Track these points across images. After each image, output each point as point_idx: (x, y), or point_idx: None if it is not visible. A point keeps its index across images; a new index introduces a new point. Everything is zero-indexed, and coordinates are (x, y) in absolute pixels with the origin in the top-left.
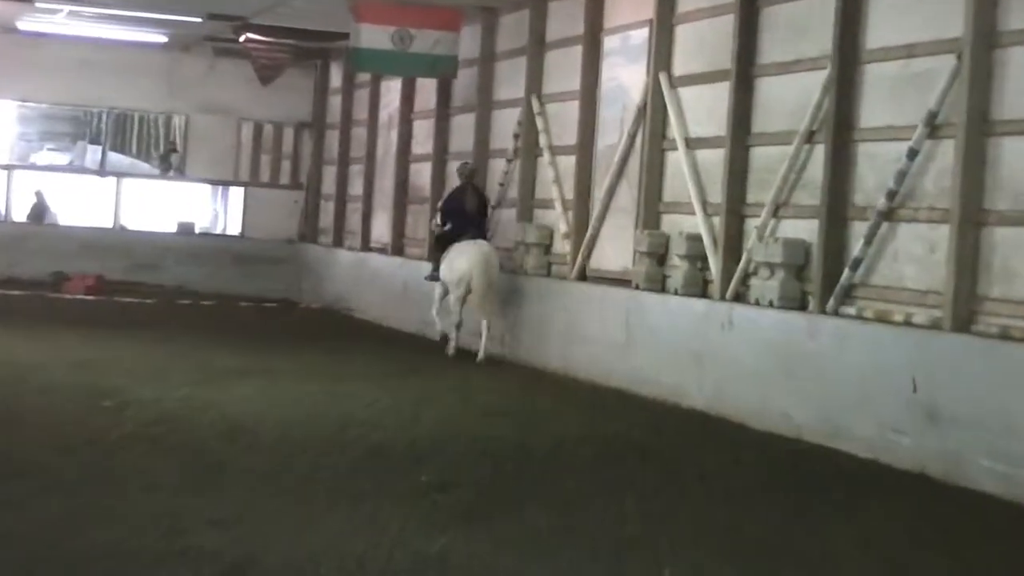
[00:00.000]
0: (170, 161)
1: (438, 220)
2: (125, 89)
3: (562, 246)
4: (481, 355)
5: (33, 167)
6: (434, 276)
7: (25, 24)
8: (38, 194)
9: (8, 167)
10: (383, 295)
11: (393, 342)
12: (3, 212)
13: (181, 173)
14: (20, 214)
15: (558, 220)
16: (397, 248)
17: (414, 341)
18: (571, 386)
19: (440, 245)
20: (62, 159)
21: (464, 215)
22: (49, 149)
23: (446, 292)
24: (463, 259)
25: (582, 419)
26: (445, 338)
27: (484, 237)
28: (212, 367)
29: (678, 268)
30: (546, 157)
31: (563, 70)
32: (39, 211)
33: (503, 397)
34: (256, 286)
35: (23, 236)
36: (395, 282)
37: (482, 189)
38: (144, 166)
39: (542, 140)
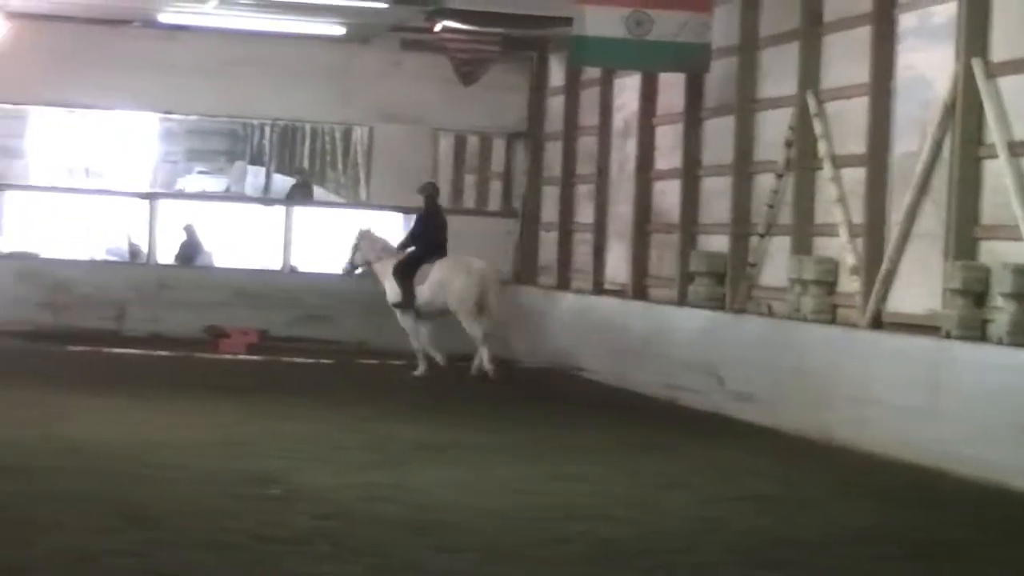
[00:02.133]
0: (307, 189)
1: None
2: (292, 95)
3: (849, 284)
4: (488, 365)
5: (181, 195)
6: (407, 303)
7: (167, 16)
8: (187, 229)
9: (150, 195)
10: (617, 350)
11: (629, 409)
12: (145, 253)
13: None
14: (166, 254)
15: (843, 251)
16: (638, 290)
17: (656, 407)
18: (855, 463)
19: (407, 270)
20: (216, 184)
21: (433, 239)
22: (200, 172)
23: (417, 316)
24: (462, 278)
25: (869, 507)
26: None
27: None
28: (399, 444)
29: (1003, 310)
30: (827, 170)
31: (846, 58)
32: (189, 251)
33: (767, 478)
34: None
35: (170, 282)
36: (633, 333)
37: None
38: (318, 191)
39: (821, 148)
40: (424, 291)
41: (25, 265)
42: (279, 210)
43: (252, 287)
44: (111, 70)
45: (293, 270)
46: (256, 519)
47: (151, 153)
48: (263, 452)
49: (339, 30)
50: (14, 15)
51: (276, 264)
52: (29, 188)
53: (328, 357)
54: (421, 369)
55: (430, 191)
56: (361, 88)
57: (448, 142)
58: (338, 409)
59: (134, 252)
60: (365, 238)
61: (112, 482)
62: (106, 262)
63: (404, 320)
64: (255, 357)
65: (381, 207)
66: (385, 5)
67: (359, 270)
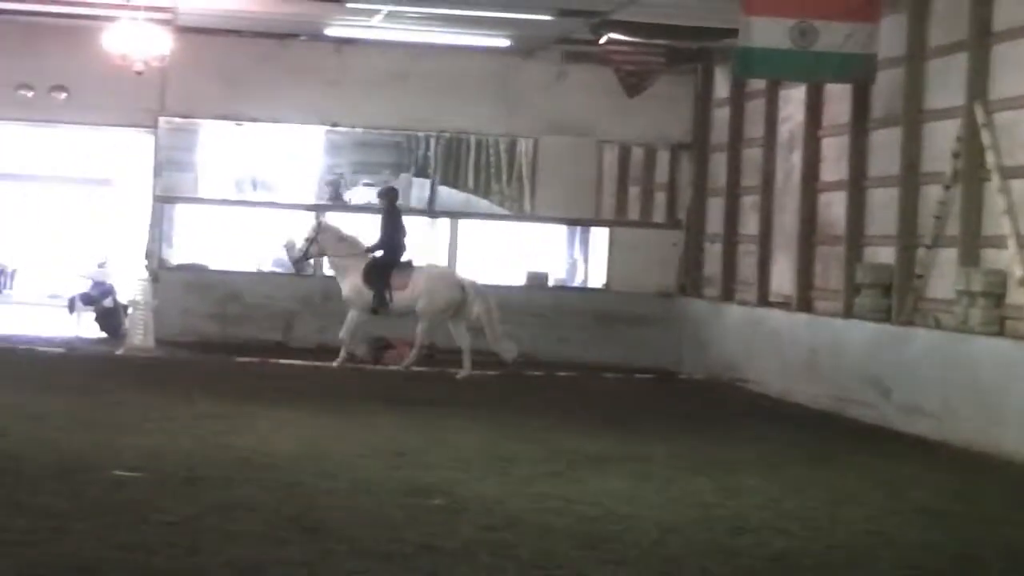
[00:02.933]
0: (339, 193)
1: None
2: (456, 107)
3: (1018, 296)
4: (467, 372)
5: (347, 207)
6: (381, 306)
7: (334, 30)
8: None
9: (316, 207)
10: (785, 362)
11: (796, 421)
12: (311, 264)
13: (525, 210)
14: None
15: (1012, 263)
16: (803, 302)
17: (826, 420)
18: None
19: (382, 274)
20: None
21: (401, 242)
22: (365, 184)
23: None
24: (448, 286)
25: None
26: (352, 357)
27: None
28: (566, 455)
29: None
30: (995, 181)
31: (1016, 68)
32: None
33: (937, 492)
34: (623, 352)
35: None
36: (800, 346)
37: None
38: (482, 203)
39: (989, 159)
40: (405, 296)
41: (194, 277)
42: (444, 222)
43: None
44: (279, 83)
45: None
46: (422, 529)
47: (317, 165)
48: (428, 463)
49: (504, 42)
50: (183, 30)
51: None
52: (198, 201)
53: (494, 368)
54: (341, 358)
55: (392, 196)
56: (526, 100)
57: (612, 154)
58: (503, 420)
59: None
60: (326, 231)
61: (281, 492)
62: (273, 274)
63: (359, 317)
64: (422, 369)
65: (546, 219)
66: (550, 17)
67: (311, 261)
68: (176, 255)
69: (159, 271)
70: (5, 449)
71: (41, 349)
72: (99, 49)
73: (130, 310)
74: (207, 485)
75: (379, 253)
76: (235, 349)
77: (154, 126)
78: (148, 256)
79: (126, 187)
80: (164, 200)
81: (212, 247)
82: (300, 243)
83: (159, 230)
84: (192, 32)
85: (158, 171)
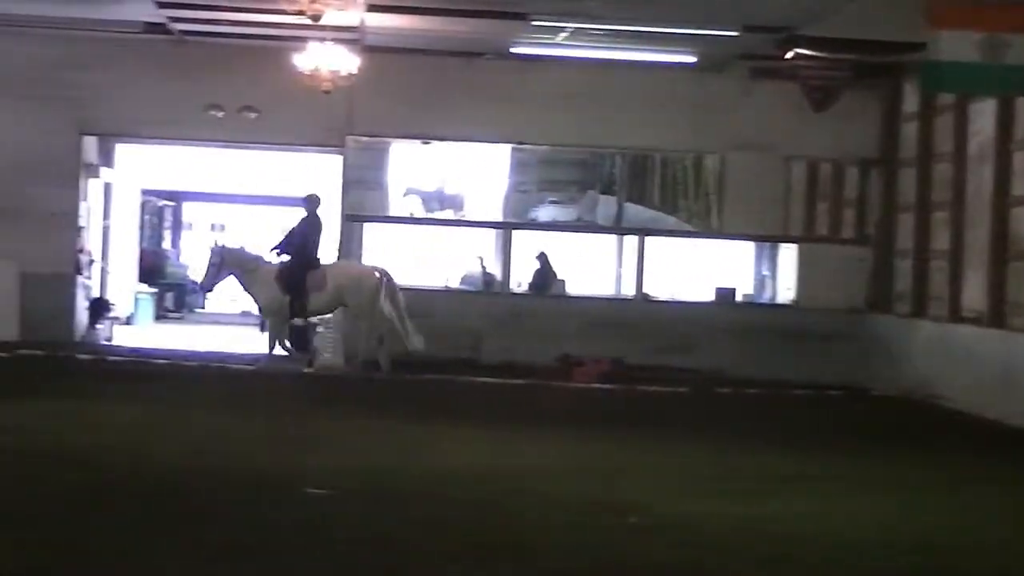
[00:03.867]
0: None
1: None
2: (642, 124)
3: None
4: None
5: (533, 225)
6: (301, 311)
7: (520, 48)
8: (541, 258)
9: (504, 225)
10: (978, 378)
11: (990, 439)
12: (499, 281)
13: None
14: (520, 283)
15: None
16: (996, 317)
17: (1021, 439)
18: None
19: (298, 278)
20: (567, 214)
21: (316, 248)
22: (551, 202)
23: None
24: (365, 275)
25: None
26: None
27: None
28: (756, 473)
29: None
30: None
31: None
32: (542, 279)
33: None
34: (812, 369)
35: (523, 311)
36: (993, 362)
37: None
38: (669, 220)
39: None
40: (323, 297)
41: None
42: (631, 239)
43: (606, 316)
44: (464, 102)
45: (647, 299)
46: (616, 548)
47: (504, 183)
48: (618, 481)
49: (690, 59)
50: (370, 49)
51: (630, 293)
52: (386, 220)
53: (684, 386)
54: (267, 359)
55: (317, 203)
56: (712, 117)
57: (800, 169)
58: (691, 438)
59: (488, 281)
60: (230, 254)
61: (472, 510)
62: (462, 291)
63: (275, 324)
64: (609, 386)
65: (733, 236)
66: (736, 33)
67: (220, 282)
68: None
69: None
70: (198, 467)
71: (232, 367)
72: (288, 70)
73: (319, 328)
74: (397, 503)
75: (285, 257)
76: (423, 367)
77: (342, 145)
78: None
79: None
80: (352, 219)
81: (400, 265)
82: (205, 274)
83: (348, 249)
84: (378, 52)
85: (346, 190)
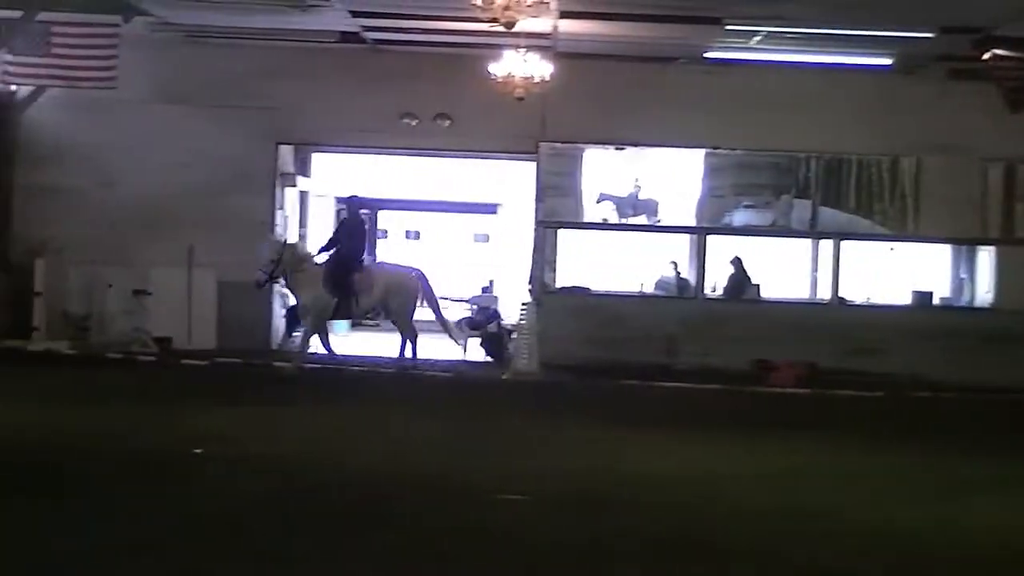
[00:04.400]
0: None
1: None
2: (836, 127)
3: None
4: None
5: (727, 229)
6: (346, 312)
7: (713, 52)
8: (735, 262)
9: (698, 230)
10: None
11: None
12: (693, 286)
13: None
14: (714, 288)
15: None
16: None
17: None
18: None
19: (345, 280)
20: (762, 218)
21: (360, 248)
22: (745, 206)
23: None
24: (408, 278)
25: None
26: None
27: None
28: (951, 478)
29: None
30: None
31: None
32: (737, 284)
33: None
34: (1013, 372)
35: (719, 316)
36: None
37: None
38: (864, 223)
39: None
40: (370, 299)
41: (578, 301)
42: (826, 243)
43: (801, 320)
44: (657, 107)
45: (843, 303)
46: (809, 553)
47: (698, 188)
48: (811, 486)
49: (885, 61)
50: (562, 56)
51: (825, 296)
52: (580, 225)
53: (879, 390)
54: (291, 368)
55: (359, 204)
56: (907, 119)
57: (997, 171)
58: (886, 443)
59: (682, 286)
60: (289, 250)
61: (665, 515)
62: (656, 296)
63: (315, 324)
64: (805, 391)
65: (930, 239)
66: (932, 35)
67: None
68: (559, 279)
69: (542, 295)
70: (394, 473)
71: (428, 373)
72: (481, 77)
73: (514, 334)
74: (591, 509)
75: (324, 257)
76: (618, 372)
77: (535, 152)
78: (531, 281)
79: (512, 213)
80: (546, 225)
81: (594, 270)
82: (267, 267)
83: (542, 255)
84: (570, 58)
85: (540, 196)
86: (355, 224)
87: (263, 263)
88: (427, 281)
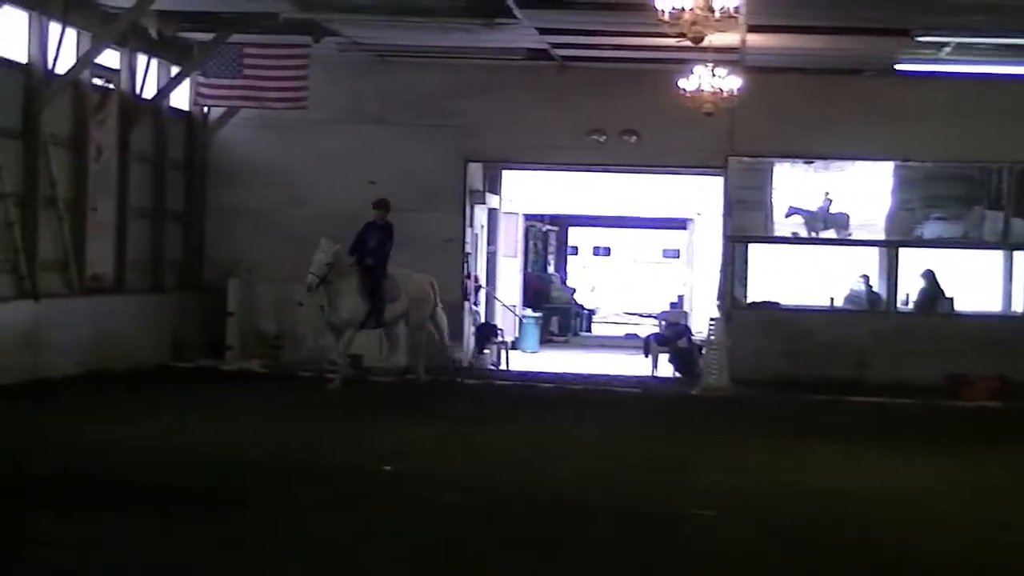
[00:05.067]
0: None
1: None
2: None
3: None
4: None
5: (919, 242)
6: (379, 320)
7: (902, 64)
8: (927, 275)
9: (888, 243)
10: None
11: None
12: (884, 300)
13: None
14: (907, 301)
15: None
16: None
17: None
18: None
19: (379, 286)
20: (953, 230)
21: (389, 253)
22: (936, 218)
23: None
24: (424, 288)
25: None
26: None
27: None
28: None
29: None
30: None
31: None
32: (929, 297)
33: None
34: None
35: (911, 329)
36: None
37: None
38: None
39: None
40: (398, 307)
41: (767, 315)
42: (1020, 255)
43: (994, 333)
44: (846, 120)
45: None
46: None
47: (888, 201)
48: (1009, 499)
49: None
50: (751, 69)
51: (1019, 309)
52: (770, 240)
53: None
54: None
55: (388, 208)
56: None
57: None
58: None
59: (873, 300)
60: (339, 256)
61: (854, 529)
62: (846, 311)
63: (351, 336)
64: (998, 404)
65: None
66: None
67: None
68: (749, 294)
69: (732, 310)
70: (582, 488)
71: (618, 389)
72: (668, 92)
73: (704, 350)
74: (778, 523)
75: (366, 264)
76: (808, 387)
77: (724, 167)
78: (721, 296)
79: (701, 228)
80: (736, 239)
81: (784, 285)
82: (319, 270)
83: (732, 269)
84: (758, 72)
85: (729, 211)
86: (387, 229)
87: (319, 267)
88: (436, 290)
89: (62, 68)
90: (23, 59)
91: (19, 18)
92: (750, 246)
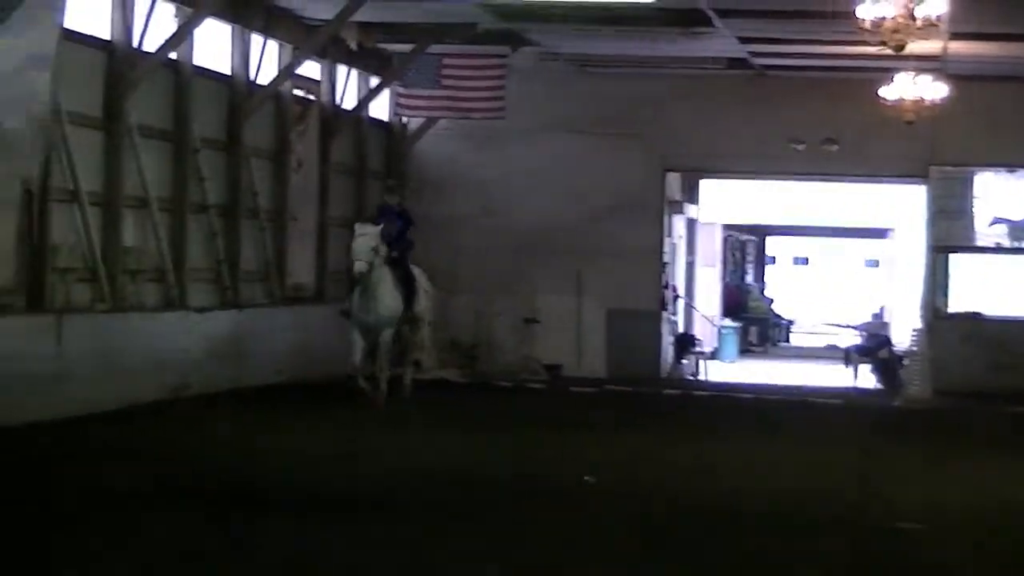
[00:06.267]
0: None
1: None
2: None
3: None
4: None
5: None
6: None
7: None
8: None
9: None
10: None
11: None
12: None
13: None
14: None
15: None
16: None
17: None
18: None
19: (409, 286)
20: None
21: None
22: None
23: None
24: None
25: None
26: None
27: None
28: None
29: None
30: None
31: None
32: None
33: None
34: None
35: None
36: None
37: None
38: None
39: None
40: (419, 304)
41: (970, 326)
42: None
43: None
44: None
45: None
46: None
47: None
48: None
49: None
50: (953, 78)
51: None
52: (973, 250)
53: None
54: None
55: (401, 190)
56: None
57: None
58: None
59: None
60: (379, 237)
61: None
62: None
63: (392, 338)
64: None
65: None
66: None
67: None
68: (951, 304)
69: (934, 320)
70: (780, 499)
71: (817, 400)
72: (868, 101)
73: (906, 361)
74: (989, 537)
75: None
76: (1010, 398)
77: (925, 176)
78: (924, 306)
79: (903, 237)
80: (939, 249)
81: (987, 295)
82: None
83: (934, 280)
84: (961, 80)
85: (932, 220)
86: (407, 218)
87: (366, 251)
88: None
89: (264, 80)
90: (227, 72)
91: (222, 31)
92: (952, 256)
